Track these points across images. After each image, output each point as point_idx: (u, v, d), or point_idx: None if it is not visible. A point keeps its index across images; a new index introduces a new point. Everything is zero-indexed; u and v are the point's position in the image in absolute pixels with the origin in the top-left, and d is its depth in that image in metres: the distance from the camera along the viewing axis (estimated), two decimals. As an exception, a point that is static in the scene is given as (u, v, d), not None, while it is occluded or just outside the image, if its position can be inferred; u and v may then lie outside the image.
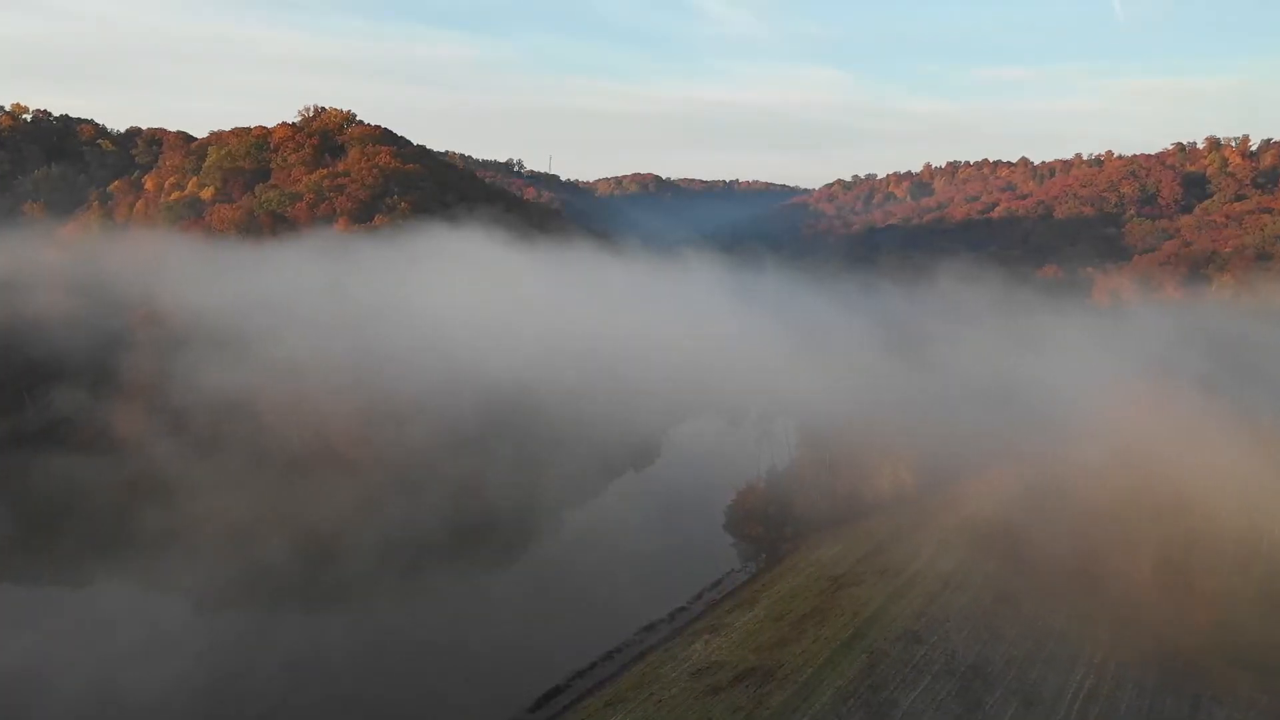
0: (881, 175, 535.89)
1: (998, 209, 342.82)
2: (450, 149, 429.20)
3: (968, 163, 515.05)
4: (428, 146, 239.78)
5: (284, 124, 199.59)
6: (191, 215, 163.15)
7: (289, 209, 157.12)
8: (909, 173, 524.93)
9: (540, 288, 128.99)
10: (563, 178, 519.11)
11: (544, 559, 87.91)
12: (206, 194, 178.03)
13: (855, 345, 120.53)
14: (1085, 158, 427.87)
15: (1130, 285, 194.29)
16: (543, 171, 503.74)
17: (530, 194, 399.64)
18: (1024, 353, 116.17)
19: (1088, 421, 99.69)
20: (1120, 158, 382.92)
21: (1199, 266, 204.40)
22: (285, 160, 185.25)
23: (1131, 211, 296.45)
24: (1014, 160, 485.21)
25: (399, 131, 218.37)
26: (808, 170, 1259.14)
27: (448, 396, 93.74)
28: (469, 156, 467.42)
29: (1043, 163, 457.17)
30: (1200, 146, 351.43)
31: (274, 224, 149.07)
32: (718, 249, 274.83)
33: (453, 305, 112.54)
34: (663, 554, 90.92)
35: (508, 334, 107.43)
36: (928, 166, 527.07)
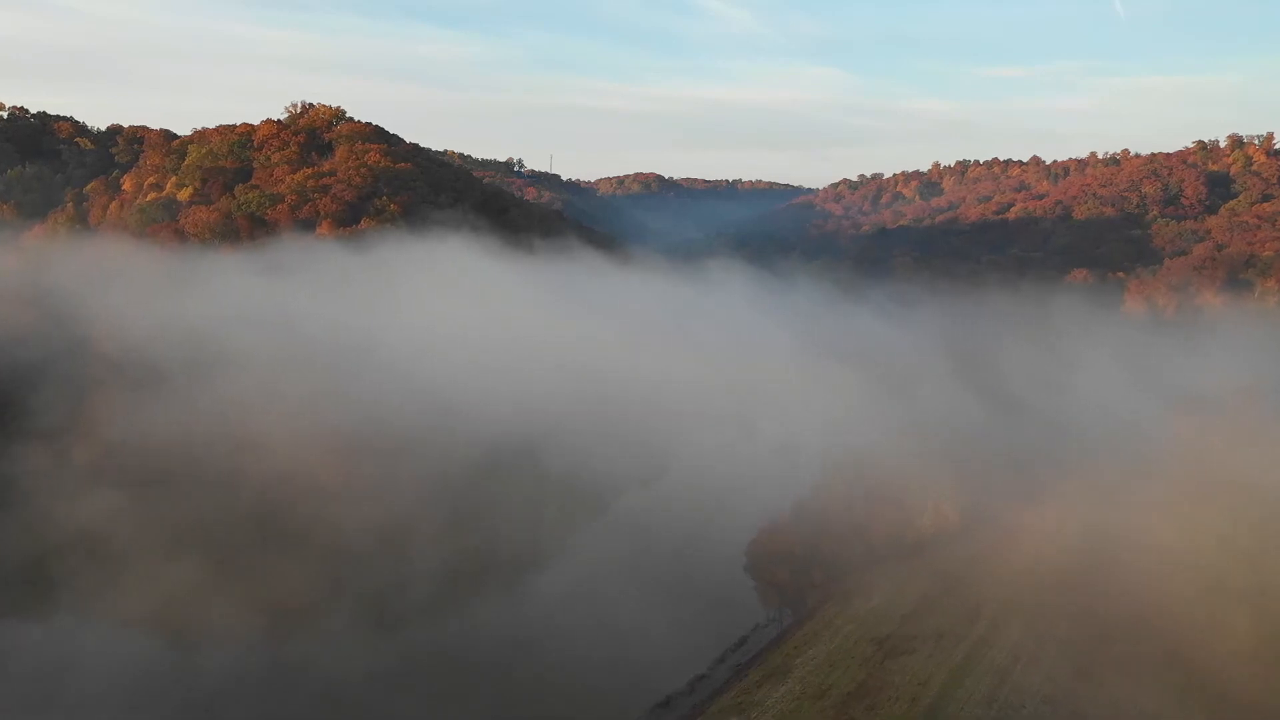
0: (888, 175, 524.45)
1: (1014, 209, 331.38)
2: (449, 148, 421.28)
3: (977, 162, 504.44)
4: (426, 146, 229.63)
5: (269, 121, 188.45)
6: (165, 218, 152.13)
7: (269, 211, 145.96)
8: (917, 172, 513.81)
9: (541, 309, 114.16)
10: (564, 177, 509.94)
11: (539, 615, 76.60)
12: (184, 195, 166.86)
13: (919, 375, 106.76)
14: (1100, 156, 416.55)
15: (1166, 291, 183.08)
16: (543, 171, 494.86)
17: (531, 194, 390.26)
18: (1080, 368, 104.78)
19: (1164, 451, 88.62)
20: (1137, 156, 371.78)
21: (1237, 271, 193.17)
22: (268, 159, 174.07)
23: (1154, 212, 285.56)
24: (1025, 159, 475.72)
25: (399, 131, 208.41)
26: (811, 169, 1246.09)
27: (433, 444, 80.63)
28: (468, 156, 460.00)
29: (1055, 162, 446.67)
30: (1222, 145, 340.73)
31: (251, 227, 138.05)
32: (733, 253, 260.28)
33: (439, 331, 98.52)
34: (678, 606, 79.81)
35: (503, 368, 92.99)
36: (936, 165, 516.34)
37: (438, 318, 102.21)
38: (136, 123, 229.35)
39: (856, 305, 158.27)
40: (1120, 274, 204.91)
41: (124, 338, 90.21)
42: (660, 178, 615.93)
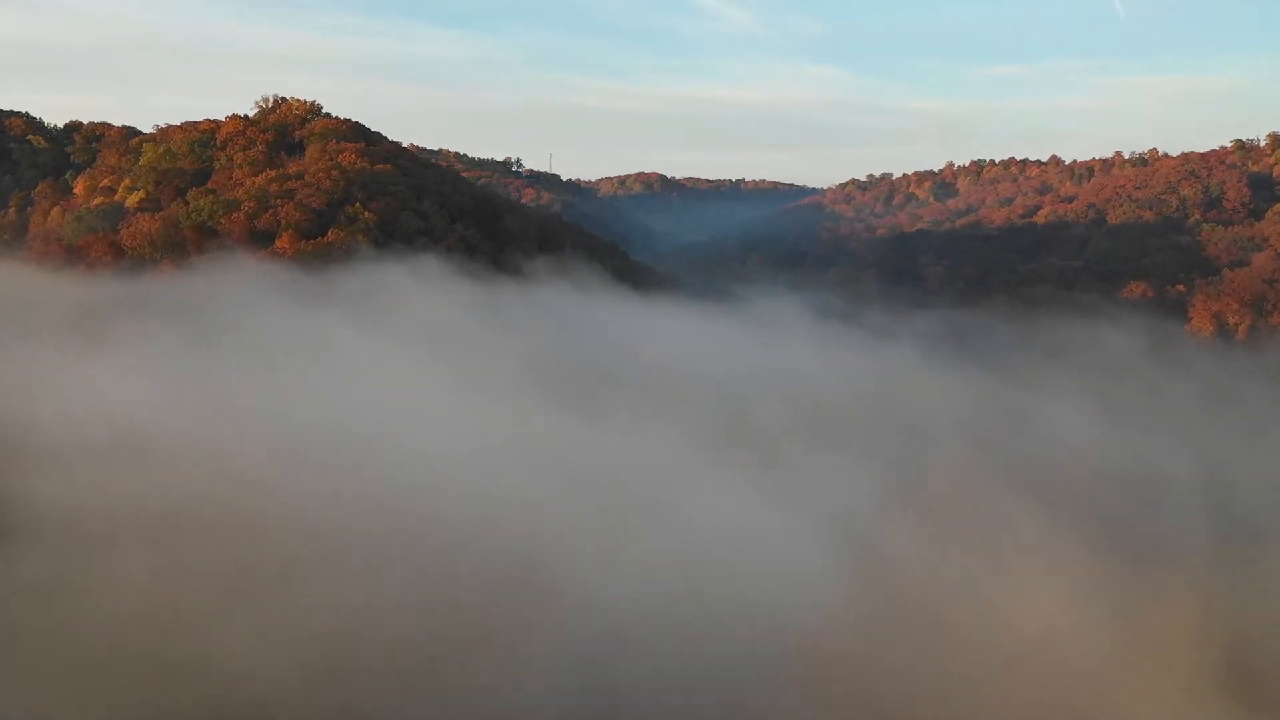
0: (896, 174, 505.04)
1: (1042, 212, 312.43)
2: (445, 147, 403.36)
3: (993, 161, 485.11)
4: (421, 145, 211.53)
5: (234, 116, 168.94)
6: (106, 227, 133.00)
7: (222, 220, 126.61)
8: (930, 172, 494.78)
9: (534, 389, 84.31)
10: (564, 177, 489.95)
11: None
12: (133, 200, 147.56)
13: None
14: (1126, 156, 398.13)
15: (1238, 308, 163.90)
16: (543, 171, 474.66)
17: (530, 195, 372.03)
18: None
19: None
20: (1168, 156, 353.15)
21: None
22: (230, 160, 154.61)
23: (1196, 216, 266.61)
24: (1039, 158, 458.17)
25: (394, 131, 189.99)
26: (815, 169, 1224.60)
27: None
28: (465, 155, 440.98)
29: (1076, 161, 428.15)
30: (1262, 144, 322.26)
31: (200, 240, 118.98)
32: (745, 258, 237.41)
33: (381, 426, 69.61)
34: None
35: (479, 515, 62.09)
36: (950, 165, 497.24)
37: (387, 399, 76.09)
38: (118, 123, 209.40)
39: (979, 370, 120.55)
40: (1180, 287, 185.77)
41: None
42: (663, 178, 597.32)
